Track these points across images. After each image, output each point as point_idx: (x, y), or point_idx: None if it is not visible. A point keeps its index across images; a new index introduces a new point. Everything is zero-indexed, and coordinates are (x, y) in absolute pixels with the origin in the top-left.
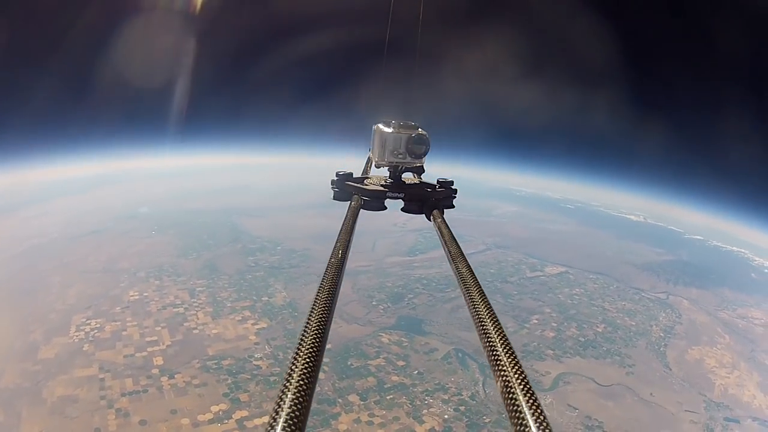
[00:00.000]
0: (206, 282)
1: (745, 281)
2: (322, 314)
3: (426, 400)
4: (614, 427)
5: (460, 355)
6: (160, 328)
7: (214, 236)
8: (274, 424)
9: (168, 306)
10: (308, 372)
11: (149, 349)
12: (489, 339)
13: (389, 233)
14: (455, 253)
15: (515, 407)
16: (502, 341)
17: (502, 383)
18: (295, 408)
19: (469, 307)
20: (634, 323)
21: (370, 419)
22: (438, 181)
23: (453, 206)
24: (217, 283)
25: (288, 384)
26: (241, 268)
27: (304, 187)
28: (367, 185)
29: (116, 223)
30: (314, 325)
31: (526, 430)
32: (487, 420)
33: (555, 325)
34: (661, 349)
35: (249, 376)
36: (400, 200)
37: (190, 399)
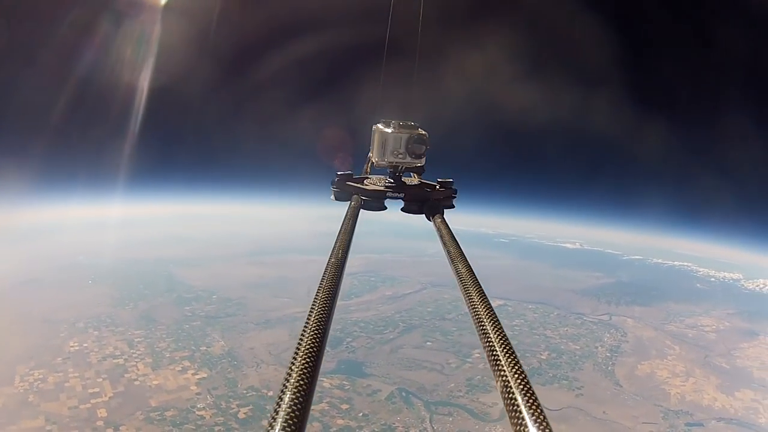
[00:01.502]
0: (144, 332)
1: (691, 292)
2: (321, 314)
3: None
4: None
5: (403, 394)
6: (101, 379)
7: (149, 286)
8: (273, 423)
9: (108, 357)
10: (307, 372)
11: (92, 401)
12: (488, 339)
13: (320, 278)
14: (455, 253)
15: (515, 407)
16: (501, 341)
17: (502, 383)
18: (294, 408)
19: (468, 307)
20: (578, 347)
21: None
22: (438, 182)
23: (453, 206)
24: (155, 333)
25: (287, 384)
26: (178, 318)
27: (237, 236)
28: (366, 185)
29: (54, 272)
30: (313, 325)
31: (526, 430)
32: None
33: None
34: (609, 368)
35: (193, 427)
36: (400, 200)
37: None
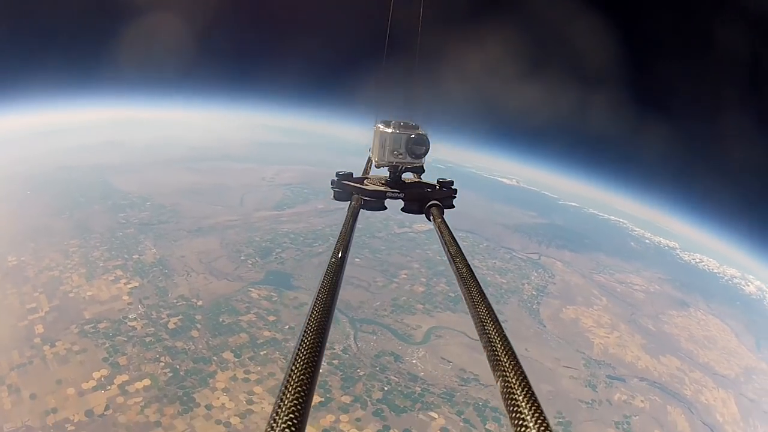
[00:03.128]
0: (79, 242)
1: (623, 249)
2: (322, 314)
3: None
4: (491, 380)
5: None
6: (38, 293)
7: (85, 194)
8: (273, 424)
9: (44, 270)
10: (307, 372)
11: (30, 317)
12: (489, 339)
13: (257, 187)
14: (455, 253)
15: (515, 407)
16: (502, 341)
17: (502, 383)
18: (295, 408)
19: (469, 307)
20: (505, 281)
21: (246, 376)
22: (438, 181)
23: (453, 206)
24: (89, 242)
25: (288, 384)
26: (112, 226)
27: (174, 142)
28: (367, 185)
29: None
30: (314, 325)
31: (526, 430)
32: (361, 373)
33: (424, 280)
34: (534, 306)
35: (125, 338)
36: (400, 200)
37: (73, 367)
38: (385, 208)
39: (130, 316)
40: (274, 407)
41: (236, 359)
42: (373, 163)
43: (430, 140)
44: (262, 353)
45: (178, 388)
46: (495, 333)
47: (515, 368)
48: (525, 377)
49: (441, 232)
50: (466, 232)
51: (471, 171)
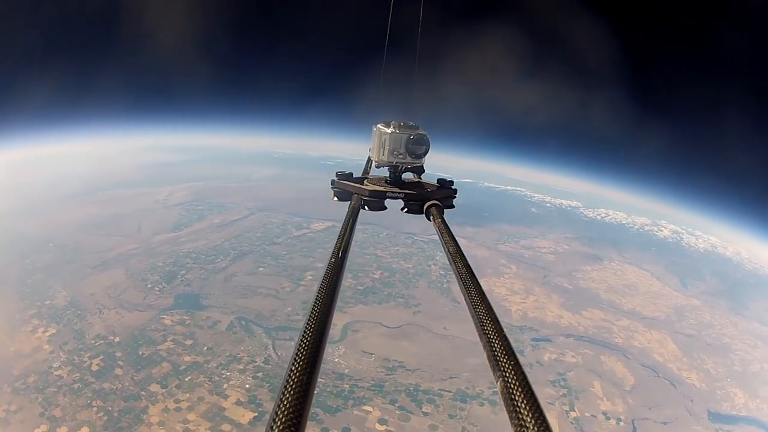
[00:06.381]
0: None
1: (525, 216)
2: (322, 314)
3: (223, 374)
4: (416, 364)
5: (243, 323)
6: None
7: None
8: (273, 424)
9: None
10: (307, 372)
11: None
12: (489, 339)
13: (153, 211)
14: (455, 253)
15: (515, 407)
16: (501, 341)
17: (502, 383)
18: (295, 408)
19: (468, 307)
20: (411, 265)
21: (177, 405)
22: (438, 181)
23: (453, 206)
24: (3, 295)
25: (288, 384)
26: (21, 274)
27: (68, 177)
28: (367, 185)
29: None
30: (314, 325)
31: (526, 430)
32: None
33: None
34: (444, 285)
35: (55, 389)
36: (400, 200)
37: (15, 428)
38: (385, 208)
39: (54, 365)
40: (273, 407)
41: (164, 390)
42: (373, 163)
43: (429, 140)
44: (186, 379)
45: (116, 431)
46: (495, 333)
47: (515, 368)
48: (525, 377)
49: (441, 232)
50: (364, 224)
51: (360, 163)
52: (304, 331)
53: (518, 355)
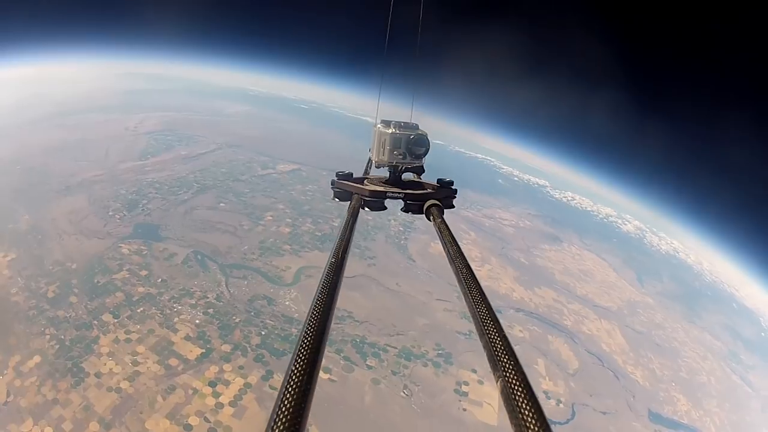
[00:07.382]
0: None
1: (491, 186)
2: (322, 314)
3: (175, 307)
4: (365, 316)
5: (199, 257)
6: None
7: None
8: (273, 424)
9: None
10: (307, 372)
11: None
12: (489, 339)
13: (121, 138)
14: (455, 253)
15: (515, 407)
16: (502, 341)
17: (502, 383)
18: (295, 408)
19: (468, 307)
20: (370, 218)
21: (128, 336)
22: (438, 181)
23: (453, 206)
24: None
25: (288, 384)
26: None
27: (40, 99)
28: (367, 185)
29: None
30: (314, 325)
31: (526, 430)
32: (236, 320)
33: (290, 221)
34: (402, 242)
35: (11, 316)
36: (400, 200)
37: None
38: (385, 208)
39: (12, 291)
40: (274, 407)
41: (115, 320)
42: (373, 163)
43: (429, 140)
44: (139, 311)
45: (66, 360)
46: (495, 333)
47: (515, 368)
48: (525, 377)
49: (441, 232)
50: (331, 170)
51: (335, 110)
52: (305, 332)
53: (519, 356)
